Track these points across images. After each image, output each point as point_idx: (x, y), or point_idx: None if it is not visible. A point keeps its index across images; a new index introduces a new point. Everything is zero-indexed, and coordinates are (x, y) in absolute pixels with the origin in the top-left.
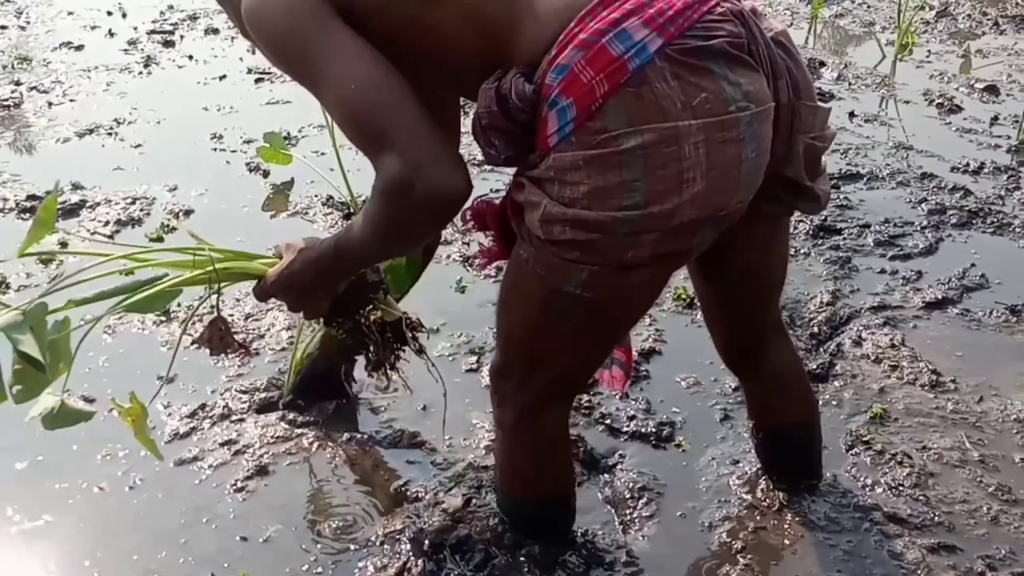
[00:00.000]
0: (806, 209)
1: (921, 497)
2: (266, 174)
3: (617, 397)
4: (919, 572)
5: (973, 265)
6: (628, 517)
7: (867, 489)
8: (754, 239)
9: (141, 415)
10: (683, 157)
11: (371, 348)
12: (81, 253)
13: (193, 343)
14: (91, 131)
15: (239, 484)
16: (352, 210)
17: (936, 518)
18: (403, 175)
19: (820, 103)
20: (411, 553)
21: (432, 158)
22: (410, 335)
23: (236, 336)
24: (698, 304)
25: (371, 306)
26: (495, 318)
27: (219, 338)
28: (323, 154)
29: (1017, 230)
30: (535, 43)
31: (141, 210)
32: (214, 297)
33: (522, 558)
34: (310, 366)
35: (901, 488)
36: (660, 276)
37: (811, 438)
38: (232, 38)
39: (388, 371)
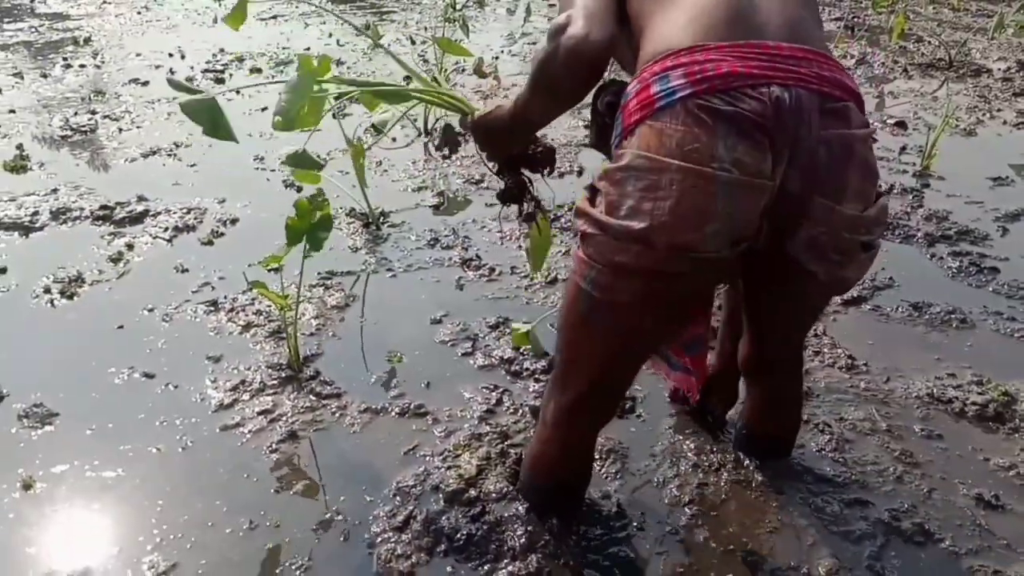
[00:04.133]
0: (806, 288)
1: (840, 459)
2: (299, 189)
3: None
4: (837, 522)
5: (883, 269)
6: (597, 474)
7: (795, 452)
8: (787, 288)
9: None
10: (659, 187)
11: (523, 201)
12: None
13: (436, 148)
14: (154, 152)
15: (273, 446)
16: (370, 219)
17: (852, 477)
18: (560, 22)
19: (857, 210)
20: (418, 503)
21: (584, 15)
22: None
23: None
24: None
25: (528, 179)
26: None
27: (451, 141)
28: (347, 173)
29: (920, 240)
30: (646, 52)
31: (195, 218)
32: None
33: (517, 510)
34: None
35: (823, 452)
36: (654, 294)
37: (781, 447)
38: (272, 77)
39: (538, 219)
